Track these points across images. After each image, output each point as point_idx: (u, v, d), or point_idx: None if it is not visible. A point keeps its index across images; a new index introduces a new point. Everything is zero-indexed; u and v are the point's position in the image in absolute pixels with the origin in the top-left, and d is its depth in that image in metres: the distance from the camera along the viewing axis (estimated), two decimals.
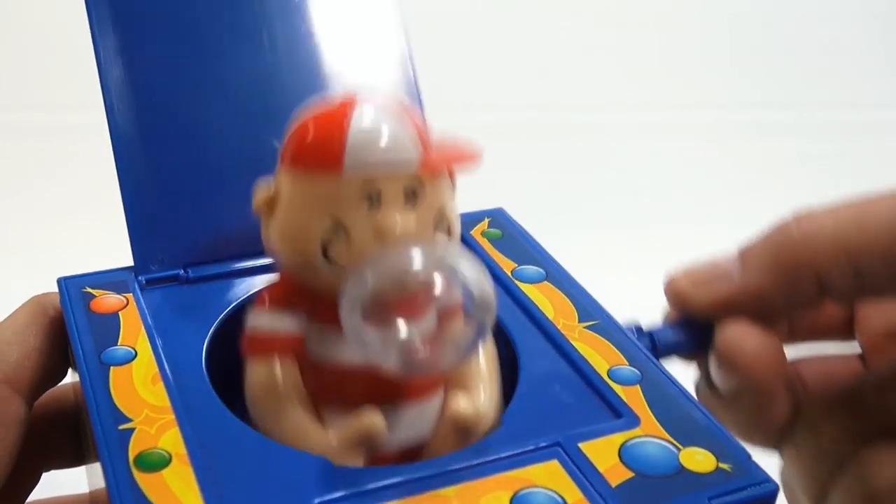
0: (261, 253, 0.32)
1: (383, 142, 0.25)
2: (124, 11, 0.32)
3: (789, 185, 0.87)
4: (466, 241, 0.35)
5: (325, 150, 0.25)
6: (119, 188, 0.31)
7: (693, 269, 0.31)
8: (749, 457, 0.26)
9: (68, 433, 0.33)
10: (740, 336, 0.29)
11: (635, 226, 0.82)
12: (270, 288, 0.28)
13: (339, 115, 0.26)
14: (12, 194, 0.80)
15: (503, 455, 0.25)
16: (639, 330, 0.31)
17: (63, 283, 0.31)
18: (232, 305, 0.31)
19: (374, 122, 0.26)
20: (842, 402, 0.30)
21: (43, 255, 0.69)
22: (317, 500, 0.23)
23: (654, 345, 0.31)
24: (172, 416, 0.26)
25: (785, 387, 0.30)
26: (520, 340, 0.30)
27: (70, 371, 0.32)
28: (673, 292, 0.31)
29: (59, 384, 0.32)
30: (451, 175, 0.28)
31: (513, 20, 0.99)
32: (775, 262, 0.29)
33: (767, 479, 0.25)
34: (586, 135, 0.94)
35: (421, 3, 0.92)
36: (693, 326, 0.31)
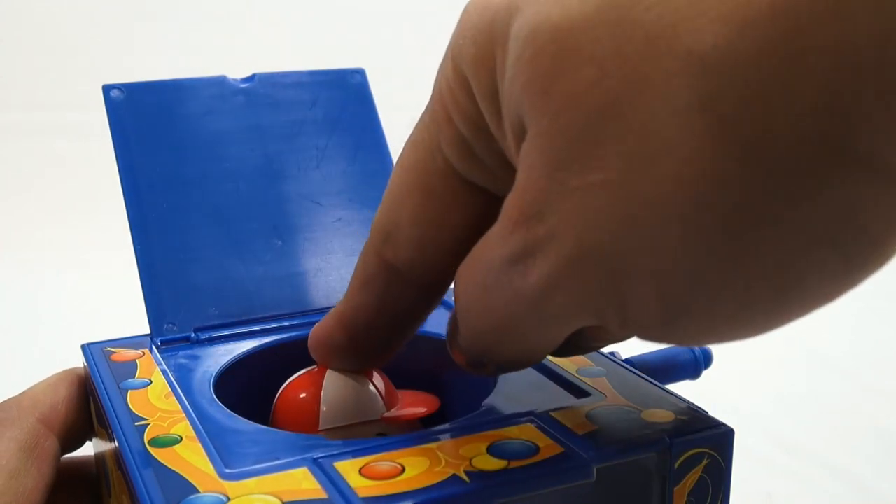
0: (262, 319, 0.36)
1: (350, 406, 0.31)
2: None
3: None
4: (448, 305, 0.38)
5: (303, 419, 0.31)
6: (136, 266, 0.36)
7: None
8: (706, 413, 0.28)
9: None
10: None
11: None
12: None
13: (313, 391, 0.31)
14: (12, 194, 0.80)
15: (481, 423, 0.28)
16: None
17: (87, 347, 0.35)
18: (241, 351, 0.34)
19: (341, 392, 0.31)
20: None
21: (43, 254, 0.70)
22: (316, 455, 0.26)
23: None
24: (183, 416, 0.29)
25: None
26: None
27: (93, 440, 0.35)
28: None
29: (81, 455, 0.35)
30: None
31: None
32: None
33: (723, 424, 0.28)
34: None
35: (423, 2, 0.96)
36: None
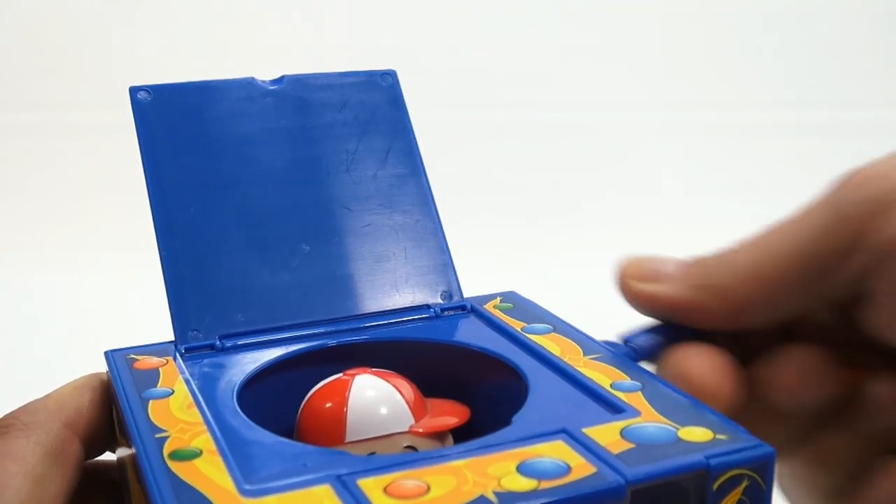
0: (289, 327, 0.36)
1: (377, 416, 0.31)
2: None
3: (793, 186, 0.87)
4: (480, 313, 0.37)
5: (329, 430, 0.31)
6: (161, 270, 0.35)
7: (641, 261, 0.33)
8: (746, 431, 0.27)
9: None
10: (684, 361, 0.31)
11: (640, 226, 0.82)
12: None
13: (339, 400, 0.31)
14: (12, 194, 0.81)
15: (511, 440, 0.27)
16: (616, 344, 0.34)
17: (110, 354, 0.34)
18: (265, 361, 0.34)
19: (368, 401, 0.31)
20: (845, 420, 0.31)
21: (42, 254, 0.70)
22: (339, 471, 0.25)
23: (634, 353, 0.33)
24: (204, 428, 0.28)
25: (742, 405, 0.31)
26: (529, 372, 0.32)
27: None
28: (618, 278, 0.33)
29: (103, 459, 0.35)
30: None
31: (519, 18, 1.01)
32: (697, 286, 0.32)
33: (763, 444, 0.26)
34: (591, 134, 0.95)
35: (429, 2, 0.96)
36: (668, 329, 0.33)
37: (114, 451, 0.35)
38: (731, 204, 0.90)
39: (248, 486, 0.25)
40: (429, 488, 0.24)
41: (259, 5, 1.01)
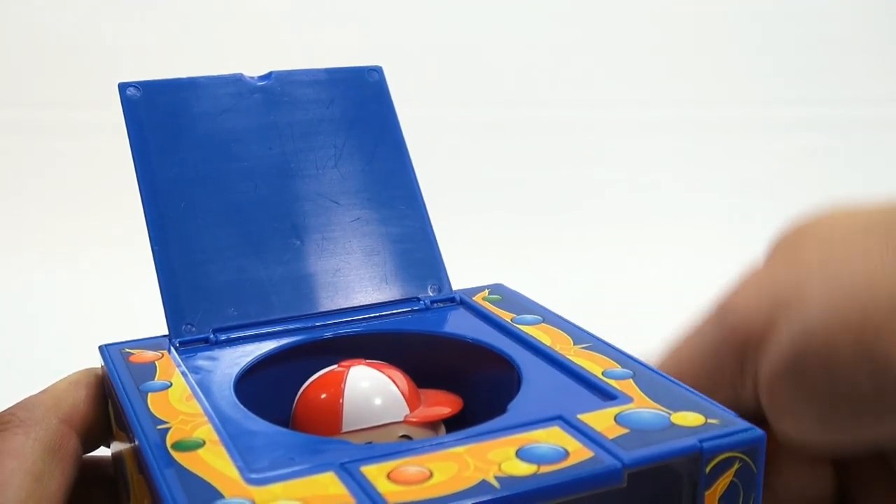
0: (281, 320, 0.36)
1: (373, 407, 0.31)
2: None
3: (792, 184, 0.87)
4: (469, 305, 0.38)
5: (325, 421, 0.31)
6: (154, 265, 0.35)
7: None
8: (736, 415, 0.28)
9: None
10: None
11: (637, 223, 0.83)
12: None
13: (335, 390, 0.32)
14: (12, 194, 0.80)
15: (509, 426, 0.28)
16: None
17: (105, 349, 0.34)
18: (262, 352, 0.34)
19: (363, 392, 0.32)
20: None
21: (42, 253, 0.70)
22: (342, 459, 0.26)
23: None
24: (205, 419, 0.28)
25: None
26: (521, 362, 0.33)
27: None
28: None
29: (98, 455, 0.35)
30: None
31: (516, 16, 1.02)
32: None
33: (754, 427, 0.27)
34: (587, 132, 0.95)
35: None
36: None
37: (108, 447, 0.35)
38: (730, 202, 0.90)
39: (253, 475, 0.25)
40: (431, 474, 0.25)
41: (249, 3, 1.00)
